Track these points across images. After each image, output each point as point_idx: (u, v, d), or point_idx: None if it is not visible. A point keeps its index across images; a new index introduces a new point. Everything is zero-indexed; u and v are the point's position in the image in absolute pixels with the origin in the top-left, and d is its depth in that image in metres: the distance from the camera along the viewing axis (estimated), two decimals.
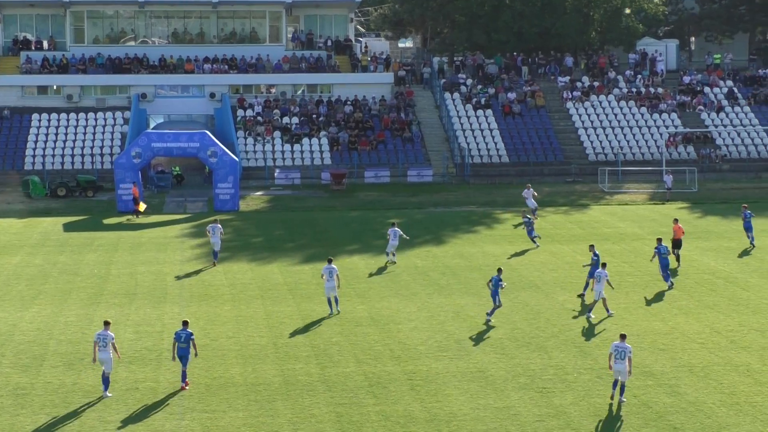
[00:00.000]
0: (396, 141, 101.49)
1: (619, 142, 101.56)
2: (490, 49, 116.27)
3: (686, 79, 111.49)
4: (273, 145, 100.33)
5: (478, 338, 46.60)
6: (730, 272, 59.41)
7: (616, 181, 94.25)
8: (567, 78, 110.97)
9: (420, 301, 53.27)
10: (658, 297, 53.63)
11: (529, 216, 69.75)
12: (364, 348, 44.85)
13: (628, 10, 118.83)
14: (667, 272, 55.82)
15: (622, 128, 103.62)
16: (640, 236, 71.00)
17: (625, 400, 38.02)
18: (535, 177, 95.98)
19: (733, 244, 67.35)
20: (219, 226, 62.36)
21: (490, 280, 49.38)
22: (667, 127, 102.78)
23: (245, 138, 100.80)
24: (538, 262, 62.44)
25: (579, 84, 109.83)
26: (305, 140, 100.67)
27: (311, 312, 50.77)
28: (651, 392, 39.11)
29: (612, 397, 38.13)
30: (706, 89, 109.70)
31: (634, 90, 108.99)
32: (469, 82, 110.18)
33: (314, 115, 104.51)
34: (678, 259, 61.43)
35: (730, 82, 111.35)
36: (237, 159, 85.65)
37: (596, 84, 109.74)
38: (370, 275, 59.42)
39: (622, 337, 38.82)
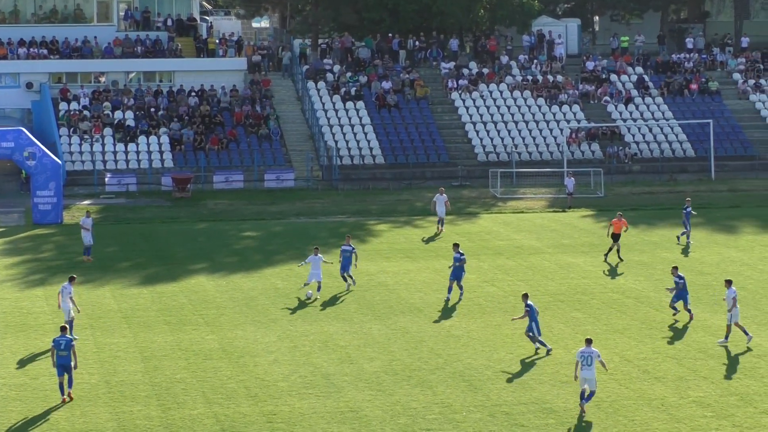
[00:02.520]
0: (251, 139, 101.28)
1: (513, 139, 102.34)
2: (361, 30, 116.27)
3: (590, 65, 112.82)
4: (103, 145, 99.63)
5: (350, 372, 46.64)
6: (641, 291, 60.10)
7: (509, 186, 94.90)
8: (452, 64, 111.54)
9: (281, 328, 53.07)
10: (562, 321, 54.15)
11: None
12: (214, 386, 44.46)
13: None
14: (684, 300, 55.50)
15: (516, 123, 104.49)
16: (539, 250, 71.58)
17: (586, 405, 40.08)
18: (415, 181, 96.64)
19: (645, 257, 68.23)
20: (90, 219, 62.75)
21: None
22: (568, 122, 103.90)
23: (69, 136, 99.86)
24: (420, 281, 62.58)
25: (466, 71, 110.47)
26: (142, 139, 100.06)
27: (151, 344, 50.33)
28: None
29: (583, 411, 39.70)
30: (613, 77, 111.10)
31: (529, 78, 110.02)
32: (337, 68, 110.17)
33: (152, 109, 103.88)
34: (618, 253, 64.79)
35: (639, 69, 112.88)
36: (60, 162, 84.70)
37: (486, 71, 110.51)
38: (221, 300, 59.29)
39: (588, 341, 40.35)
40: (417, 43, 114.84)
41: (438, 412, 41.55)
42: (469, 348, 49.83)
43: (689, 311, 51.70)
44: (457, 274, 56.35)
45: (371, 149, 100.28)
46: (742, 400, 42.76)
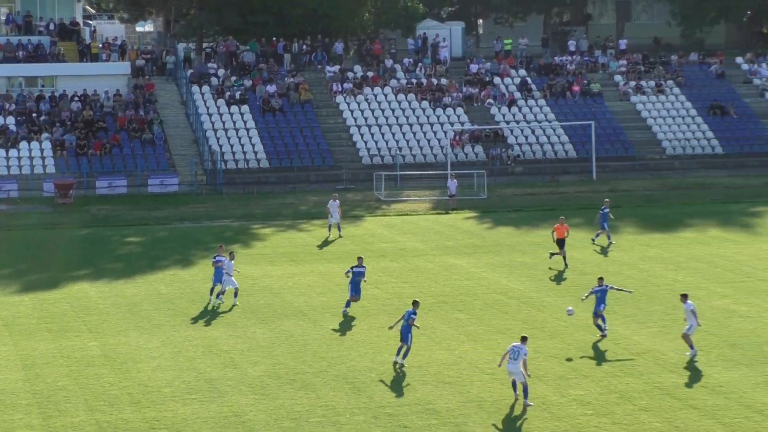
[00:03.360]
0: (134, 144, 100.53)
1: (397, 142, 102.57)
2: (245, 34, 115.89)
3: (473, 67, 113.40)
4: None
5: (234, 377, 46.55)
6: (523, 291, 60.57)
7: (394, 188, 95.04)
8: (336, 67, 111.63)
9: (164, 334, 52.77)
10: (445, 322, 54.40)
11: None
12: (96, 393, 44.07)
13: None
14: None
15: (400, 126, 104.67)
16: (423, 252, 71.82)
17: (531, 404, 40.79)
18: (300, 184, 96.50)
19: (527, 258, 68.73)
20: None
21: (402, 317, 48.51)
22: (452, 124, 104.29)
23: None
24: (305, 284, 62.56)
25: (350, 74, 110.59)
26: (23, 144, 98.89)
27: (32, 351, 49.77)
28: None
29: (516, 398, 41.20)
30: (496, 79, 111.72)
31: (414, 81, 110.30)
32: (222, 72, 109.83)
33: (34, 114, 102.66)
34: (564, 259, 65.14)
35: (522, 72, 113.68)
36: None
37: (370, 74, 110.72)
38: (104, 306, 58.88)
39: (523, 339, 41.68)
40: (302, 46, 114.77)
41: (322, 415, 41.59)
42: (353, 351, 49.91)
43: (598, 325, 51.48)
44: (356, 288, 56.10)
45: (256, 153, 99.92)
46: (622, 397, 43.25)
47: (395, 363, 46.51)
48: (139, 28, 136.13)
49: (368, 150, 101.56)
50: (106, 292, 61.80)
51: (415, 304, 47.34)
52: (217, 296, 57.83)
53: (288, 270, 65.85)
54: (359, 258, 57.46)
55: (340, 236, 75.24)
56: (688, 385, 44.83)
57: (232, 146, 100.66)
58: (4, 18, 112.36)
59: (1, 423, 40.48)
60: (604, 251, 70.77)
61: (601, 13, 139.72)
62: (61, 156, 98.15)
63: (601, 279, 51.43)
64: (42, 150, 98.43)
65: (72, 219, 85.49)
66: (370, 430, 39.98)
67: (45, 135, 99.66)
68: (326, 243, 74.25)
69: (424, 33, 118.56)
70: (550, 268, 65.34)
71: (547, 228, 77.62)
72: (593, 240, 72.39)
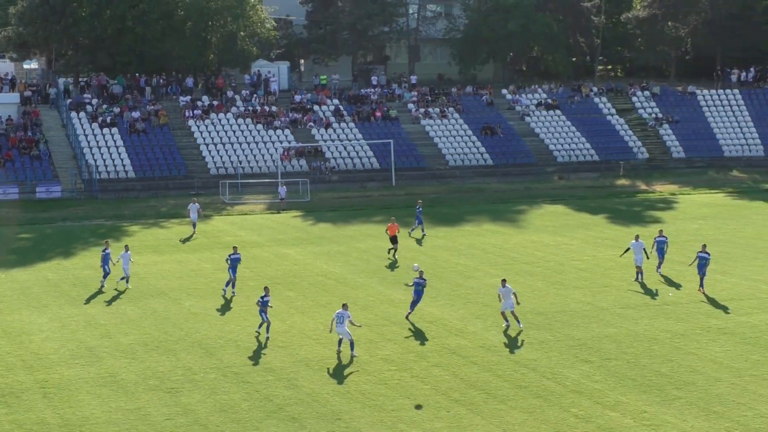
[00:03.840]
0: (24, 159, 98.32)
1: (238, 156, 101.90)
2: (114, 71, 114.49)
3: (297, 98, 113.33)
4: None
5: (109, 345, 46.03)
6: (340, 273, 60.74)
7: (236, 193, 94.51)
8: (188, 97, 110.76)
9: (52, 312, 52.01)
10: (278, 299, 54.27)
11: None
12: None
13: (242, 34, 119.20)
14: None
15: (240, 144, 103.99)
16: (259, 243, 71.66)
17: (356, 354, 42.33)
18: (160, 191, 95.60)
19: (342, 248, 68.88)
20: None
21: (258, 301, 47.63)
22: (281, 142, 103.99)
23: None
24: (165, 270, 62.01)
25: (199, 103, 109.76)
26: None
27: None
28: (271, 386, 39.62)
29: (339, 352, 42.81)
30: (316, 107, 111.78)
31: (250, 108, 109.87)
32: (95, 101, 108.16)
33: None
34: (394, 254, 64.19)
35: (336, 101, 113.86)
36: None
37: (215, 103, 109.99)
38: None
39: (344, 306, 43.02)
40: (160, 80, 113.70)
41: (181, 374, 41.29)
42: (205, 323, 49.64)
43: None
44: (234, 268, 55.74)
45: (124, 166, 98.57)
46: (418, 356, 43.59)
47: (257, 334, 46.32)
48: (26, 66, 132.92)
49: (215, 163, 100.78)
50: (2, 279, 60.65)
51: (266, 290, 46.74)
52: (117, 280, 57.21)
53: (152, 259, 65.07)
54: (234, 247, 57.42)
55: (195, 234, 74.64)
56: (470, 346, 45.39)
57: (104, 160, 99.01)
58: None
59: None
60: (419, 242, 71.20)
61: (397, 54, 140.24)
62: None
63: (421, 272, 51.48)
64: None
65: None
66: (220, 385, 39.78)
67: None
68: (187, 239, 73.61)
69: (258, 70, 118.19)
70: (389, 259, 64.84)
71: (358, 224, 78.26)
72: (409, 233, 72.67)
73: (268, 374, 41.50)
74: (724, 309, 51.09)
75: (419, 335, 47.02)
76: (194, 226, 75.34)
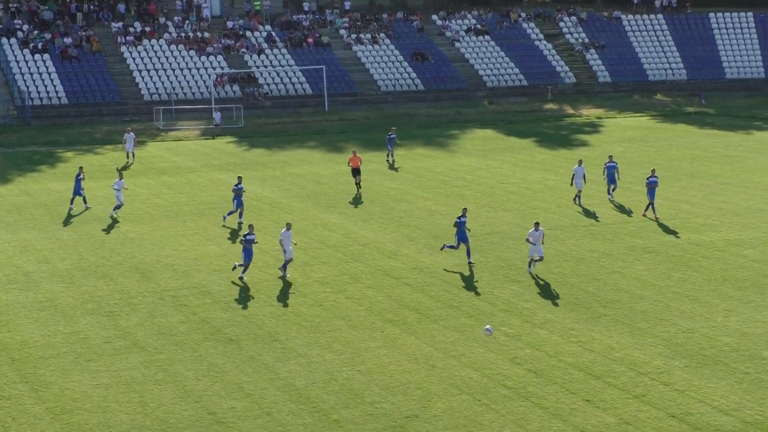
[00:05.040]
0: None
1: (171, 83, 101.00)
2: None
3: (230, 24, 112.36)
4: None
5: (46, 270, 45.91)
6: (274, 198, 60.78)
7: (170, 119, 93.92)
8: (120, 24, 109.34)
9: None
10: (213, 223, 54.38)
11: None
12: None
13: None
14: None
15: (173, 70, 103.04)
16: (194, 169, 71.47)
17: (287, 275, 43.09)
18: (94, 117, 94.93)
19: (276, 173, 68.88)
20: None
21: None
22: (214, 69, 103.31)
23: None
24: (102, 197, 61.42)
25: (132, 29, 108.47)
26: None
27: None
28: (209, 309, 39.85)
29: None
30: (248, 33, 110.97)
31: (183, 35, 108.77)
32: (26, 27, 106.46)
33: None
34: (359, 185, 62.19)
35: (269, 27, 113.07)
36: None
37: (148, 29, 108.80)
38: None
39: (288, 225, 43.74)
40: (92, 7, 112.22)
41: (119, 298, 41.37)
42: (142, 247, 49.64)
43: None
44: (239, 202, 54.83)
45: (57, 92, 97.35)
46: (352, 278, 44.04)
47: (241, 279, 44.44)
48: None
49: (149, 89, 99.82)
50: None
51: (251, 227, 45.08)
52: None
53: (87, 185, 64.34)
54: (239, 177, 56.84)
55: (131, 161, 74.06)
56: (403, 268, 45.79)
57: (37, 87, 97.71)
58: None
59: None
60: (392, 167, 71.25)
61: None
62: None
63: None
64: None
65: None
66: (158, 308, 39.94)
67: None
68: (124, 167, 73.04)
69: None
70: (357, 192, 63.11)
71: (292, 150, 78.26)
72: (387, 160, 72.65)
73: (206, 297, 41.68)
74: (648, 229, 51.92)
75: (353, 257, 47.36)
76: (132, 155, 74.75)
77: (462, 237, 45.99)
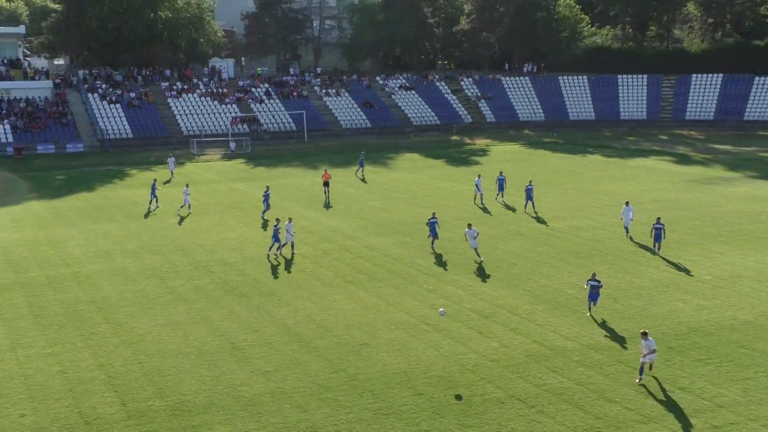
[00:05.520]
0: (57, 125, 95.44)
1: (201, 123, 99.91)
2: (116, 65, 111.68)
3: (240, 83, 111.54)
4: None
5: (119, 249, 45.28)
6: (271, 199, 60.06)
7: (201, 148, 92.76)
8: (167, 83, 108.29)
9: (79, 228, 51.13)
10: (231, 216, 53.95)
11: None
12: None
13: (202, 40, 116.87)
14: None
15: (203, 114, 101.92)
16: (217, 180, 70.59)
17: (296, 251, 39.02)
18: (149, 146, 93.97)
19: (272, 183, 67.99)
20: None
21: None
22: (230, 113, 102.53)
23: None
24: (145, 199, 60.97)
25: (175, 87, 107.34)
26: None
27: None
28: (228, 274, 39.40)
29: (278, 255, 38.96)
30: (253, 89, 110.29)
31: (209, 90, 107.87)
32: (104, 86, 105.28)
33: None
34: (327, 193, 60.14)
35: (266, 85, 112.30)
36: None
37: (186, 87, 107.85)
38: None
39: (290, 219, 43.27)
40: (148, 72, 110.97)
41: (168, 267, 41.05)
42: (183, 233, 49.03)
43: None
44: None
45: (125, 129, 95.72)
46: (324, 253, 43.73)
47: (268, 256, 43.05)
48: (56, 62, 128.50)
49: (186, 127, 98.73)
50: (45, 205, 59.51)
51: (278, 220, 43.40)
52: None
53: (145, 192, 63.52)
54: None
55: (173, 177, 73.20)
56: (358, 246, 45.65)
57: (111, 126, 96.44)
58: None
59: None
60: (363, 180, 70.76)
61: (306, 54, 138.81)
62: (17, 132, 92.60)
63: None
64: (5, 129, 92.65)
65: (24, 167, 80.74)
66: (194, 274, 39.59)
67: (6, 121, 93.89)
68: (167, 181, 72.36)
69: (213, 65, 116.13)
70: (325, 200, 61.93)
71: (282, 168, 77.29)
72: (356, 173, 72.16)
73: (226, 267, 41.52)
74: (521, 220, 52.27)
75: (324, 239, 47.26)
76: (172, 173, 73.88)
77: (433, 232, 44.54)
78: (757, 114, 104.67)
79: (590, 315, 33.47)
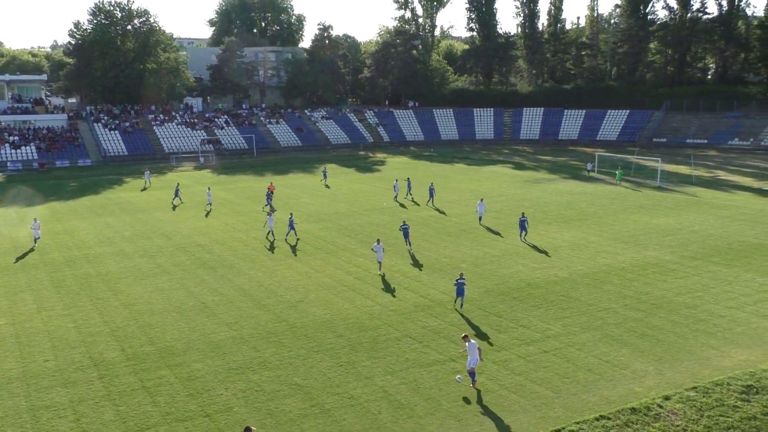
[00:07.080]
0: (71, 146, 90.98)
1: (179, 143, 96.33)
2: (115, 102, 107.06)
3: (207, 115, 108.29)
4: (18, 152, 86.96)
5: (119, 236, 43.23)
6: (233, 199, 57.99)
7: (179, 161, 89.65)
8: (153, 115, 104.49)
9: (89, 221, 48.47)
10: (204, 211, 52.19)
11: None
12: None
13: (179, 84, 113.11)
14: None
15: (179, 137, 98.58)
16: (192, 185, 68.03)
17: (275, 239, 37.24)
18: (139, 161, 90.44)
19: (231, 186, 66.53)
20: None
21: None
22: (199, 137, 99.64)
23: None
24: (143, 199, 58.48)
25: (159, 118, 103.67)
26: (23, 148, 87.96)
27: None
28: (200, 253, 38.06)
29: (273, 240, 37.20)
30: (216, 119, 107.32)
31: (184, 120, 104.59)
32: (106, 118, 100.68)
33: (27, 136, 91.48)
34: (270, 202, 54.48)
35: (226, 116, 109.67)
36: None
37: (166, 118, 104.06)
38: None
39: (291, 214, 39.78)
40: (137, 107, 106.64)
41: (155, 248, 39.47)
42: (166, 224, 47.11)
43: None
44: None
45: (122, 149, 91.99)
46: (286, 245, 42.79)
47: (285, 239, 40.33)
48: (71, 100, 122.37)
49: (167, 147, 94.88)
50: (63, 204, 56.42)
51: (291, 214, 41.05)
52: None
53: (137, 194, 61.08)
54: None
55: (148, 185, 67.97)
56: (309, 239, 44.70)
57: (112, 147, 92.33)
58: (10, 95, 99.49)
59: None
60: (326, 186, 68.95)
61: (254, 93, 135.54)
62: (40, 152, 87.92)
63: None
64: (31, 149, 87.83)
65: (47, 177, 76.70)
66: (174, 253, 38.04)
67: (33, 143, 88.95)
68: (144, 189, 69.52)
69: (186, 101, 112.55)
70: (265, 207, 57.30)
71: (239, 176, 75.28)
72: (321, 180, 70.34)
73: (198, 248, 40.02)
74: (422, 210, 52.03)
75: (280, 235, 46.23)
76: (148, 182, 68.19)
77: (406, 235, 38.30)
78: (566, 135, 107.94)
79: (456, 308, 28.85)
